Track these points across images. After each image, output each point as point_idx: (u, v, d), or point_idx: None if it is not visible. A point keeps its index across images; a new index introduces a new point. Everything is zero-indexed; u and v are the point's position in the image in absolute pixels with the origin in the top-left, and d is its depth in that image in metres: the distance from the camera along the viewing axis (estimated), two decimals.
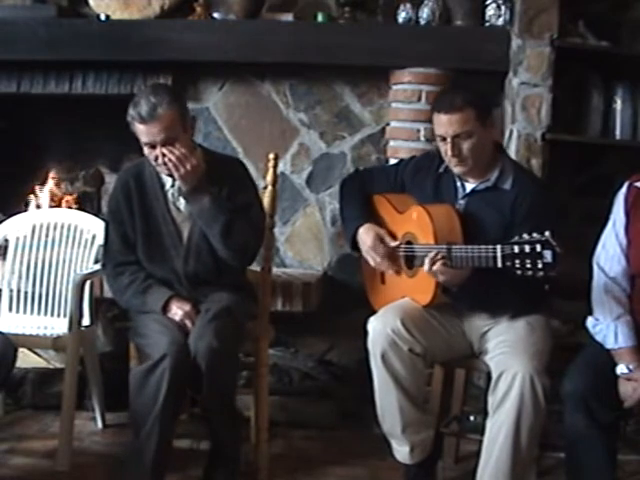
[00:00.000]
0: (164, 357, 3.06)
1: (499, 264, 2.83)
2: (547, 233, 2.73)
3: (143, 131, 3.21)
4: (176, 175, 3.23)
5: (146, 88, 3.32)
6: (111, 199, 3.51)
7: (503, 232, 3.09)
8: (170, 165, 3.21)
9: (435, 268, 3.00)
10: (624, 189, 3.08)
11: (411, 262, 3.25)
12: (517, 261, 2.75)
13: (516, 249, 2.76)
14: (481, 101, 3.20)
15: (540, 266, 2.71)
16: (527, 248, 2.74)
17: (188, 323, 3.26)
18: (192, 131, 3.38)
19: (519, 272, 2.76)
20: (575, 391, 2.85)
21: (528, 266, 2.73)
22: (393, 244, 3.31)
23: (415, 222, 3.22)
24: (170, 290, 3.35)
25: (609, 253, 3.04)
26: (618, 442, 2.92)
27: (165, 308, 3.30)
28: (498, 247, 2.83)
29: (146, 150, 3.26)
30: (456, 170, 3.21)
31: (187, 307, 3.29)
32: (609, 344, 2.94)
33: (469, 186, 3.24)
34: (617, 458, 2.89)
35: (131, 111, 3.21)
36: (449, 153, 3.14)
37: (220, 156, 3.60)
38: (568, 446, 2.93)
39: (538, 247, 2.72)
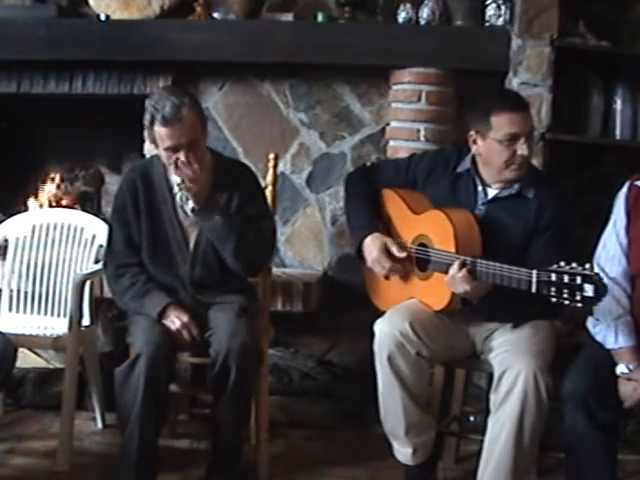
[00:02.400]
0: (139, 357, 3.08)
1: (533, 289, 2.77)
2: (587, 266, 2.67)
3: (166, 134, 3.13)
4: (187, 192, 3.19)
5: (161, 91, 3.24)
6: (117, 198, 3.46)
7: (523, 241, 3.08)
8: (186, 181, 3.17)
9: (460, 275, 2.95)
10: (625, 189, 3.07)
11: (424, 265, 3.21)
12: (553, 289, 2.70)
13: (553, 277, 2.70)
14: None
15: (579, 298, 2.65)
16: (566, 278, 2.68)
17: (185, 334, 3.25)
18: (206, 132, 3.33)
19: (554, 300, 2.71)
20: (575, 391, 2.84)
21: (565, 296, 2.67)
22: (400, 255, 3.25)
23: (433, 226, 3.17)
24: (170, 296, 3.31)
25: (609, 253, 3.03)
26: (618, 442, 2.92)
27: (162, 315, 3.26)
28: (534, 272, 2.77)
29: (165, 154, 3.19)
30: (517, 174, 3.12)
31: (185, 318, 3.26)
32: (609, 344, 2.93)
33: (491, 192, 3.19)
34: (617, 458, 2.88)
35: (151, 114, 3.13)
36: (524, 152, 3.06)
37: (228, 160, 3.58)
38: (568, 446, 2.92)
39: (578, 279, 2.65)
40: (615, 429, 2.90)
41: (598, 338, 2.98)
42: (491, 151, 3.12)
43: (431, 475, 3.35)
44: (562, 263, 2.71)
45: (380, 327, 3.14)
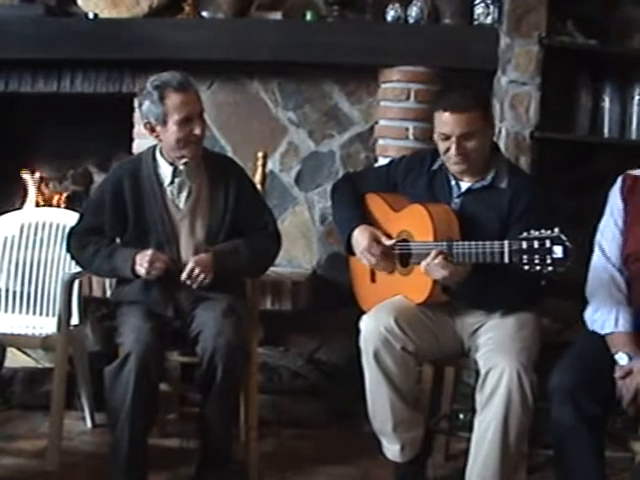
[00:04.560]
0: (128, 355, 3.07)
1: (506, 260, 2.82)
2: (556, 229, 2.72)
3: (181, 101, 3.20)
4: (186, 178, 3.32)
5: (156, 74, 3.31)
6: (98, 190, 3.50)
7: (500, 230, 3.09)
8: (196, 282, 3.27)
9: (436, 262, 2.98)
10: (619, 181, 3.08)
11: (406, 260, 3.23)
12: (525, 257, 2.75)
13: (524, 245, 2.75)
14: (486, 100, 3.23)
15: (549, 261, 2.70)
16: (536, 244, 2.73)
17: (156, 267, 3.25)
18: None
19: (527, 267, 2.75)
20: (562, 384, 2.82)
21: (536, 262, 2.72)
22: (389, 243, 3.28)
23: (412, 220, 3.20)
24: (134, 249, 3.32)
25: (608, 238, 3.03)
26: (607, 439, 2.91)
27: (133, 269, 3.28)
28: (505, 243, 2.83)
29: (177, 129, 3.23)
30: (455, 168, 3.19)
31: (147, 257, 3.24)
32: (608, 328, 2.90)
33: (464, 185, 3.23)
34: (605, 452, 2.87)
35: (160, 89, 3.20)
36: (452, 152, 3.13)
37: (214, 153, 3.64)
38: (555, 441, 2.90)
39: (547, 243, 2.71)
40: (602, 424, 2.88)
41: (596, 326, 2.95)
42: (438, 145, 3.21)
43: (421, 473, 3.36)
44: (532, 230, 2.75)
45: (365, 323, 3.15)
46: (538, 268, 2.73)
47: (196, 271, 3.25)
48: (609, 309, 2.95)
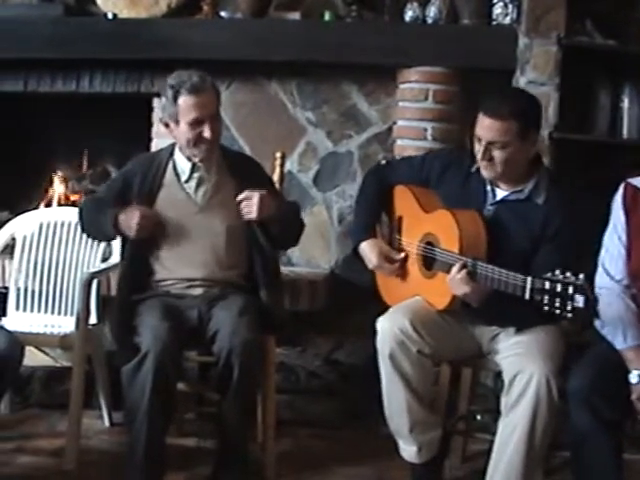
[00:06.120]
0: (147, 354, 3.08)
1: (527, 296, 2.76)
2: (581, 276, 2.64)
3: (193, 104, 3.23)
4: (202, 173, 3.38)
5: (179, 70, 3.33)
6: (117, 174, 3.69)
7: (529, 245, 3.06)
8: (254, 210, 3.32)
9: (459, 277, 2.95)
10: (620, 190, 3.05)
11: (430, 263, 3.20)
12: (546, 297, 2.68)
13: (547, 285, 2.69)
14: (530, 115, 3.05)
15: (569, 308, 2.63)
16: (559, 287, 2.66)
17: (146, 221, 3.29)
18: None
19: (546, 308, 2.69)
20: (580, 389, 2.81)
21: (557, 305, 2.66)
22: (398, 257, 3.33)
23: (441, 226, 3.16)
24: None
25: (613, 255, 2.99)
26: (625, 441, 2.90)
27: (117, 225, 3.31)
28: (528, 279, 2.76)
29: (187, 129, 3.27)
30: (484, 173, 3.12)
31: (135, 218, 3.27)
32: (618, 344, 2.89)
33: (500, 193, 3.15)
34: (623, 456, 2.85)
35: (175, 88, 3.24)
36: (479, 156, 3.07)
37: (233, 151, 3.70)
38: (573, 445, 2.89)
39: (570, 289, 2.64)
40: (620, 427, 2.87)
41: (608, 339, 2.96)
42: (474, 146, 3.13)
43: (437, 474, 3.34)
44: (557, 272, 2.69)
45: (381, 324, 3.14)
46: (558, 312, 2.66)
47: (254, 199, 3.31)
48: (615, 326, 2.91)
